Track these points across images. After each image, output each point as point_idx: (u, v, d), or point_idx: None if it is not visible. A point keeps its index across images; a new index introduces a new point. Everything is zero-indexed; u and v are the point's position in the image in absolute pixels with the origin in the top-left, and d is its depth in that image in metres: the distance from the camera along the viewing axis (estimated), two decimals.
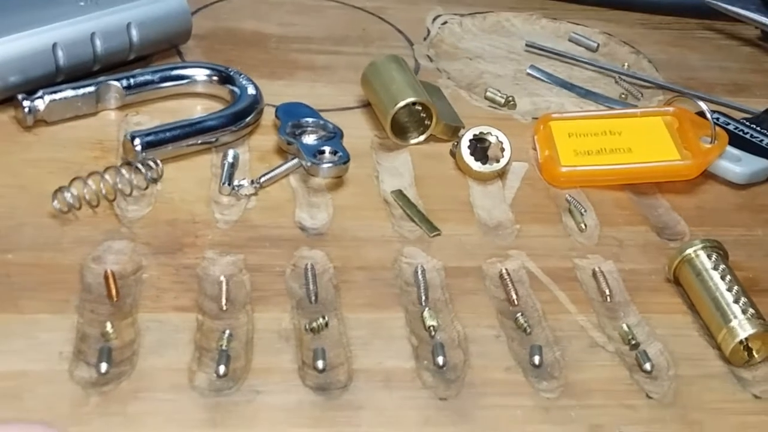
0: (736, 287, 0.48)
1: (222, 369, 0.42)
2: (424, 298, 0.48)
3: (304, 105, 0.58)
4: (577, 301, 0.49)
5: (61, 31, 0.55)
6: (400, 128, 0.59)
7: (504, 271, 0.50)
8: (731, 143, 0.60)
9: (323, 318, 0.45)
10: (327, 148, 0.54)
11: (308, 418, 0.41)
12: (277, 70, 0.63)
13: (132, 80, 0.56)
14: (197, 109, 0.58)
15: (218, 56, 0.63)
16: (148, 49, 0.60)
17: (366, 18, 0.71)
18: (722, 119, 0.63)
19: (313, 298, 0.47)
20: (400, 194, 0.54)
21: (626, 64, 0.71)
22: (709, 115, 0.59)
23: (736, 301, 0.47)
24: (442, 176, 0.57)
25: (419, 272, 0.49)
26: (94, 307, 0.44)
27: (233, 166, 0.53)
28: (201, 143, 0.54)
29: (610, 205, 0.56)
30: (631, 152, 0.59)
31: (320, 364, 0.43)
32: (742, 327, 0.47)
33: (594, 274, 0.51)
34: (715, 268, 0.49)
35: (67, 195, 0.48)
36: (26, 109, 0.53)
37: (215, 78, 0.58)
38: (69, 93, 0.54)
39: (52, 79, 0.55)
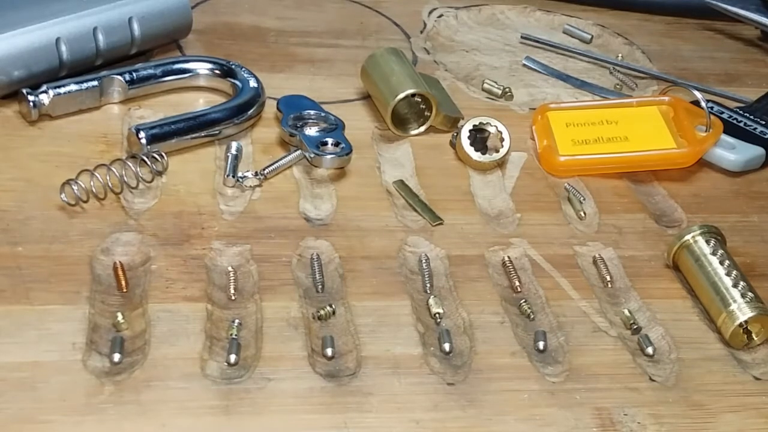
0: (734, 272, 0.49)
1: (233, 357, 0.43)
2: (428, 286, 0.48)
3: (305, 97, 0.59)
4: (579, 287, 0.50)
5: (63, 26, 0.55)
6: (400, 120, 0.59)
7: (506, 258, 0.51)
8: (726, 131, 0.61)
9: (330, 306, 0.46)
10: (329, 140, 0.55)
11: (319, 404, 0.42)
12: (276, 63, 0.64)
13: (135, 74, 0.57)
14: (200, 103, 0.59)
15: (218, 50, 0.63)
16: (149, 43, 0.60)
17: (363, 11, 0.72)
18: (716, 108, 0.64)
19: (319, 287, 0.47)
20: (402, 184, 0.55)
21: (620, 55, 0.72)
22: (704, 104, 0.60)
23: (735, 286, 0.48)
24: (442, 166, 0.57)
25: (423, 261, 0.50)
26: (105, 298, 0.45)
27: (237, 158, 0.54)
28: (204, 136, 0.55)
29: (608, 193, 0.57)
30: (628, 141, 0.60)
31: (329, 351, 0.44)
32: (742, 311, 0.47)
33: (594, 260, 0.52)
34: (714, 254, 0.50)
35: (75, 188, 0.49)
36: (31, 104, 0.53)
37: (217, 71, 0.59)
38: (73, 87, 0.55)
39: (56, 74, 0.56)
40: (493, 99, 0.64)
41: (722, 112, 0.64)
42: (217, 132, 0.55)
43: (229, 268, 0.47)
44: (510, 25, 0.75)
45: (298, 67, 0.64)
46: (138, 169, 0.51)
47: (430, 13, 0.73)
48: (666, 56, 0.73)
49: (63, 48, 0.55)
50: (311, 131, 0.56)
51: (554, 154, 0.58)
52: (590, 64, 0.71)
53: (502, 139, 0.57)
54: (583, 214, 0.55)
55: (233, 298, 0.46)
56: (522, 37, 0.72)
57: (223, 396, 0.41)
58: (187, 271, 0.47)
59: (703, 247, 0.50)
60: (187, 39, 0.63)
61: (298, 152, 0.54)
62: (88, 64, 0.57)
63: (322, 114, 0.57)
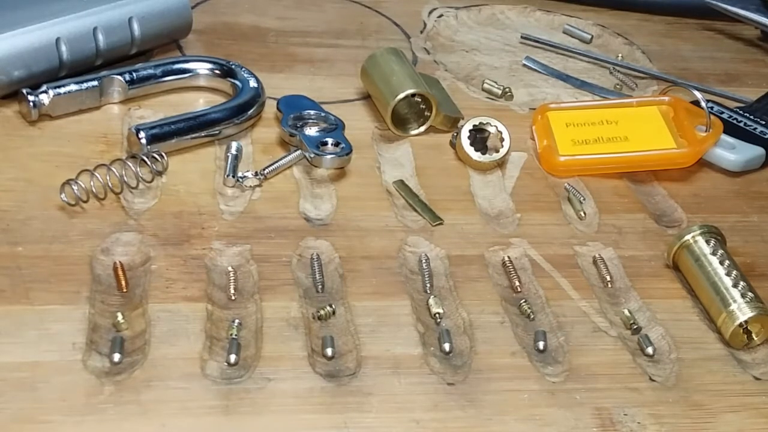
0: (734, 272, 0.49)
1: (233, 357, 0.43)
2: (428, 286, 0.48)
3: (305, 97, 0.59)
4: (579, 287, 0.50)
5: (63, 26, 0.55)
6: (400, 120, 0.59)
7: (506, 258, 0.51)
8: (726, 131, 0.61)
9: (330, 306, 0.46)
10: (329, 140, 0.55)
11: (319, 404, 0.42)
12: (276, 63, 0.64)
13: (135, 74, 0.57)
14: (200, 103, 0.59)
15: (218, 50, 0.63)
16: (149, 43, 0.60)
17: (363, 11, 0.72)
18: (716, 108, 0.64)
19: (319, 287, 0.47)
20: (402, 184, 0.55)
21: (620, 55, 0.72)
22: (704, 104, 0.60)
23: (735, 286, 0.48)
24: (442, 166, 0.57)
25: (423, 261, 0.50)
26: (105, 298, 0.45)
27: (237, 158, 0.54)
28: (204, 136, 0.55)
29: (608, 193, 0.57)
30: (628, 141, 0.60)
31: (329, 351, 0.44)
32: (742, 311, 0.47)
33: (594, 260, 0.52)
34: (714, 254, 0.50)
35: (75, 188, 0.49)
36: (31, 104, 0.53)
37: (217, 71, 0.59)
38: (73, 87, 0.55)
39: (56, 74, 0.56)
40: (493, 99, 0.65)
41: (722, 112, 0.64)
42: (217, 132, 0.55)
43: (229, 268, 0.47)
44: (510, 25, 0.75)
45: (298, 67, 0.64)
46: (138, 169, 0.51)
47: (430, 13, 0.73)
48: (666, 56, 0.73)
49: (63, 48, 0.55)
50: (311, 131, 0.56)
51: (554, 154, 0.58)
52: (590, 64, 0.71)
53: (502, 139, 0.57)
54: (583, 214, 0.55)
55: (233, 298, 0.46)
56: (522, 37, 0.72)
57: (223, 396, 0.41)
58: (187, 271, 0.47)
59: (703, 247, 0.50)
60: (187, 39, 0.63)
61: (298, 152, 0.54)
62: (88, 64, 0.57)
63: (322, 114, 0.57)
